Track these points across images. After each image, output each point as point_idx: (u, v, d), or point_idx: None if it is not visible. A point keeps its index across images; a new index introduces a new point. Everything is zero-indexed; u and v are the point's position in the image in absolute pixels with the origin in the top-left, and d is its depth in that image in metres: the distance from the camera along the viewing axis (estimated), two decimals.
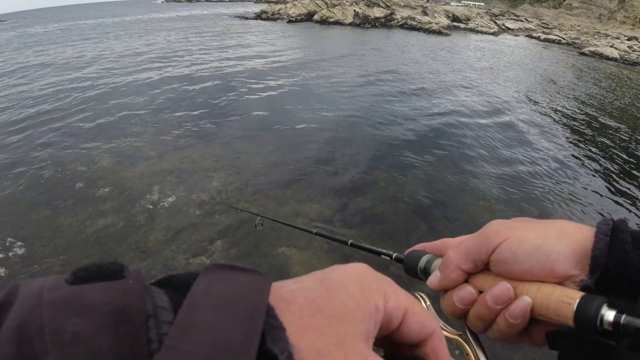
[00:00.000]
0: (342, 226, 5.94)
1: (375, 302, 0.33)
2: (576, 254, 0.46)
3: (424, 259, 0.61)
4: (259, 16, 44.61)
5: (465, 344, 0.54)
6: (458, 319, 0.55)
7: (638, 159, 9.90)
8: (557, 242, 0.47)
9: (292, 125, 9.95)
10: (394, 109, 11.71)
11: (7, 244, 5.14)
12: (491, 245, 0.50)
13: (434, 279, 0.56)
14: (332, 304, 0.30)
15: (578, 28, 54.13)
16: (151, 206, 6.23)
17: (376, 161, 8.10)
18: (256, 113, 10.81)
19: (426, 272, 0.60)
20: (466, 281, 0.54)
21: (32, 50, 23.69)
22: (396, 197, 6.84)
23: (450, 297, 0.53)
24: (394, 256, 0.71)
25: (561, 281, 0.46)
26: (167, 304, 0.25)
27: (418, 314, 0.37)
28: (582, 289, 0.44)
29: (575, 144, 10.51)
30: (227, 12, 56.66)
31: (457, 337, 0.56)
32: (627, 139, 11.50)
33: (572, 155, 9.68)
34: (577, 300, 0.42)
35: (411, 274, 0.63)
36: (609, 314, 0.39)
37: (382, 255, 0.76)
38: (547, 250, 0.47)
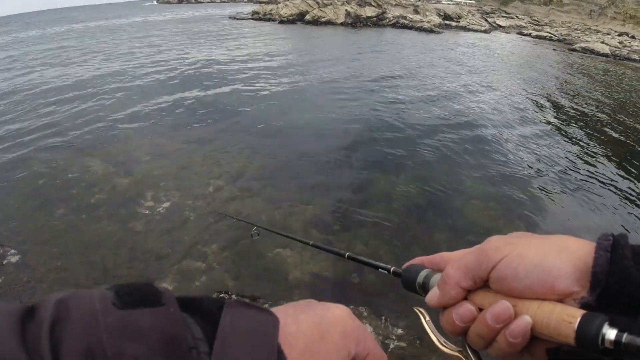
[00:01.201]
0: (338, 229, 5.95)
1: (349, 349, 0.41)
2: (577, 270, 0.45)
3: (423, 273, 0.60)
4: (250, 17, 44.55)
5: None
6: (458, 336, 0.54)
7: (635, 157, 9.97)
8: (557, 258, 0.46)
9: (287, 130, 9.95)
10: (389, 112, 11.72)
11: (1, 251, 5.11)
12: (491, 262, 0.49)
13: (432, 296, 0.55)
14: (322, 355, 0.39)
15: (569, 24, 54.35)
16: (147, 212, 6.21)
17: (370, 163, 8.11)
18: (251, 117, 10.80)
19: (425, 288, 0.59)
20: (465, 298, 0.53)
21: (25, 55, 23.54)
22: (391, 198, 6.86)
23: (449, 315, 0.53)
24: (391, 270, 0.69)
25: (562, 298, 0.45)
26: (202, 336, 0.31)
27: (376, 357, 0.44)
28: (582, 306, 0.44)
29: (570, 143, 10.56)
30: (218, 13, 56.49)
31: (457, 354, 0.55)
32: (625, 136, 11.59)
33: (567, 154, 9.73)
34: (578, 319, 0.41)
35: (409, 289, 0.62)
36: (611, 333, 0.39)
37: (380, 269, 0.73)
38: (547, 268, 0.46)
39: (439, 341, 0.58)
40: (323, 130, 9.85)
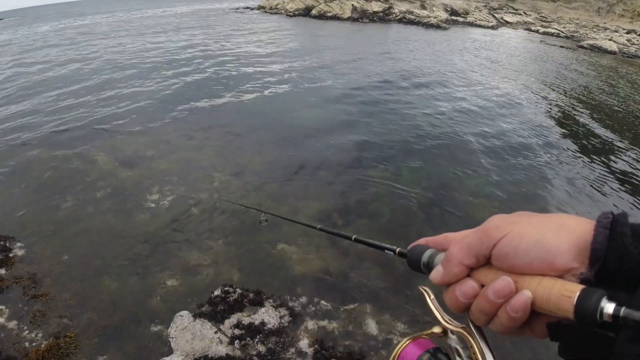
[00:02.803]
0: (342, 222, 5.95)
1: None
2: (576, 247, 0.46)
3: (427, 253, 0.63)
4: (257, 11, 44.50)
5: (469, 336, 0.56)
6: (461, 312, 0.56)
7: (636, 153, 9.91)
8: (556, 235, 0.48)
9: (290, 123, 9.95)
10: (392, 105, 11.69)
11: (8, 244, 5.14)
12: (492, 240, 0.51)
13: (436, 274, 0.57)
14: None
15: (577, 21, 53.92)
16: (152, 205, 6.23)
17: (375, 157, 8.10)
18: (255, 111, 10.80)
19: (429, 267, 0.61)
20: (468, 275, 0.55)
21: (35, 48, 23.63)
22: (395, 193, 6.85)
23: (453, 292, 0.55)
24: (397, 251, 0.73)
25: (561, 274, 0.46)
26: None
27: None
28: (582, 281, 0.45)
29: (575, 139, 10.51)
30: (223, 7, 56.33)
31: (460, 330, 0.57)
32: (628, 132, 11.51)
33: (572, 149, 9.69)
34: (577, 294, 0.42)
35: (414, 268, 0.65)
36: (609, 307, 0.40)
37: (386, 251, 0.77)
38: (547, 244, 0.47)
39: (443, 318, 0.61)
40: (329, 126, 9.82)
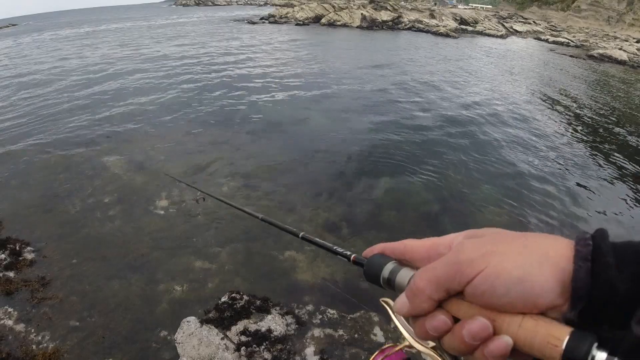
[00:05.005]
0: (349, 234, 5.93)
1: None
2: (560, 284, 0.41)
3: (388, 267, 0.55)
4: (266, 20, 44.92)
5: (440, 359, 0.51)
6: (431, 340, 0.51)
7: None
8: (539, 273, 0.42)
9: (300, 131, 9.99)
10: (399, 114, 11.70)
11: (17, 248, 5.19)
12: (465, 278, 0.45)
13: (402, 307, 0.50)
14: None
15: (586, 30, 53.75)
16: (160, 212, 6.26)
17: (384, 168, 8.08)
18: (266, 118, 10.85)
19: (390, 283, 0.55)
20: (440, 305, 0.48)
21: (49, 54, 23.95)
22: (404, 205, 6.83)
23: (422, 324, 0.49)
24: (352, 258, 0.63)
25: (544, 311, 0.42)
26: None
27: None
28: (566, 320, 0.41)
29: (581, 149, 10.43)
30: (234, 15, 56.89)
31: (430, 352, 0.52)
32: (635, 144, 11.41)
33: (577, 160, 9.61)
34: (565, 342, 0.38)
35: (372, 281, 0.57)
36: (600, 356, 0.37)
37: (338, 255, 0.65)
38: (529, 284, 0.42)
39: (411, 336, 0.54)
40: (337, 133, 9.84)
